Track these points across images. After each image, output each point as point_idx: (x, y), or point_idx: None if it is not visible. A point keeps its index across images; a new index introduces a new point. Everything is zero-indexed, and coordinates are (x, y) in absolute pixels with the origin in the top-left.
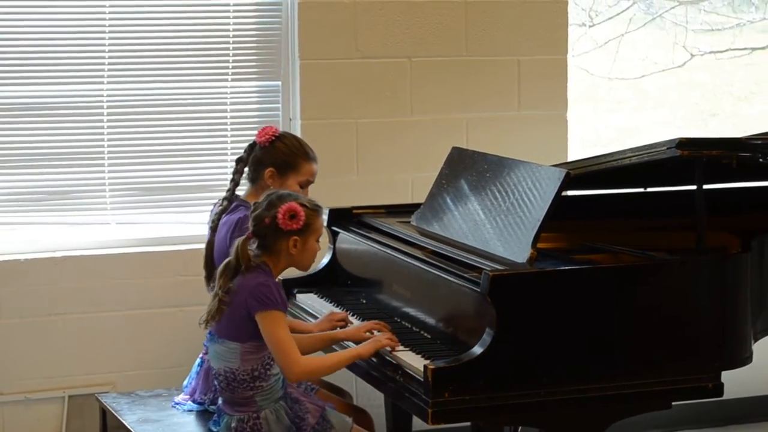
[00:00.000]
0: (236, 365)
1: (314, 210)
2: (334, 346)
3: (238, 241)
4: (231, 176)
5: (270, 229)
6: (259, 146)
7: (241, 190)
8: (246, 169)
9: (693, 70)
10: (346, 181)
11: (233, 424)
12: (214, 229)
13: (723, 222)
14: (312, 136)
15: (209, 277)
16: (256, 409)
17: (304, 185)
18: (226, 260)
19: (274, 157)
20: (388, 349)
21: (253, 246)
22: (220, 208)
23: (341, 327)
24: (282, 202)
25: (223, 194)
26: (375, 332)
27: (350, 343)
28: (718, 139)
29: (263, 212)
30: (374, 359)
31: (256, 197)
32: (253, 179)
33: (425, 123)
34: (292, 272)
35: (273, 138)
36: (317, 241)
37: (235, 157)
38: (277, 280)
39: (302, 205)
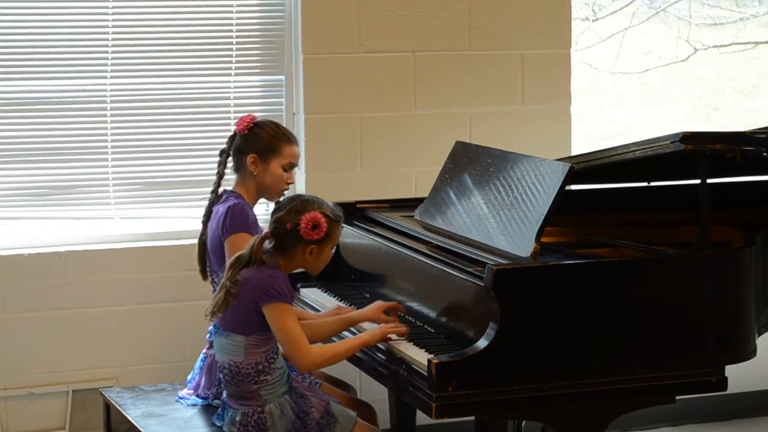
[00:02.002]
0: (240, 359)
1: (335, 220)
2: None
3: (255, 238)
4: (216, 169)
5: (290, 235)
6: (239, 135)
7: (229, 184)
8: (230, 161)
9: (696, 64)
10: (350, 175)
11: (238, 418)
12: (205, 223)
13: (726, 216)
14: (315, 131)
15: (204, 270)
16: (260, 402)
17: (287, 168)
18: (238, 253)
19: (254, 143)
20: (394, 337)
21: (268, 245)
22: (209, 201)
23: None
24: (306, 210)
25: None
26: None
27: (362, 328)
28: (721, 133)
29: (286, 216)
30: (379, 354)
31: (242, 186)
32: (237, 168)
33: (429, 117)
34: None
35: (251, 125)
36: (332, 249)
37: None
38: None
39: (324, 215)
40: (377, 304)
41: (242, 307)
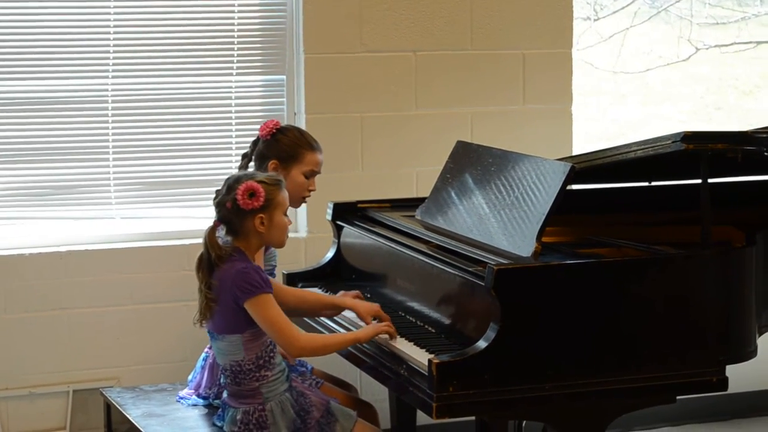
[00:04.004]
0: (241, 356)
1: (274, 184)
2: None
3: (205, 232)
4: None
5: (233, 212)
6: (262, 140)
7: None
8: (252, 164)
9: (698, 63)
10: (351, 175)
11: (239, 417)
12: None
13: (728, 216)
14: (316, 131)
15: None
16: (261, 401)
17: (309, 176)
18: (199, 254)
19: (277, 149)
20: (386, 336)
21: (222, 233)
22: None
23: None
24: (239, 183)
25: None
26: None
27: (351, 327)
28: (722, 132)
29: (224, 197)
30: (380, 354)
31: None
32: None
33: (430, 117)
34: (296, 266)
35: (274, 131)
36: (285, 215)
37: (240, 151)
38: (255, 263)
39: (260, 182)
40: (371, 305)
41: (227, 308)
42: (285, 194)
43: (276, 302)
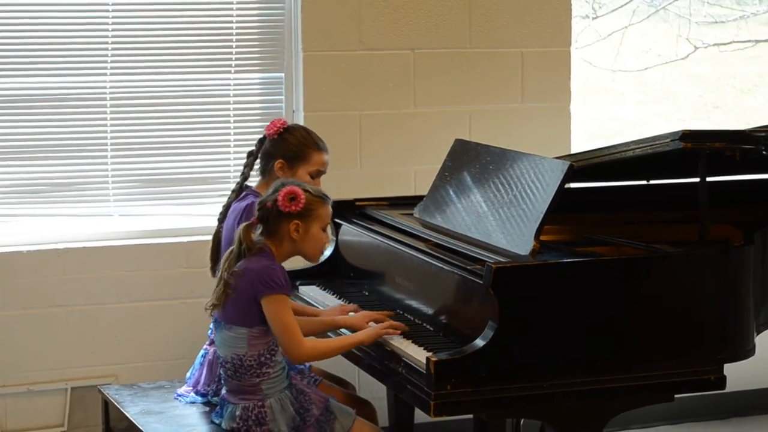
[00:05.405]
0: (244, 351)
1: (318, 197)
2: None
3: (241, 227)
4: (242, 169)
5: (272, 213)
6: (268, 139)
7: (253, 182)
8: (258, 163)
9: (696, 62)
10: (349, 173)
11: (238, 413)
12: (221, 220)
13: (726, 214)
14: (315, 128)
15: (214, 268)
16: (261, 397)
17: (314, 176)
18: (230, 249)
19: (283, 148)
20: (388, 338)
21: (257, 232)
22: (228, 199)
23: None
24: (284, 186)
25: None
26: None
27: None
28: (721, 131)
29: (268, 197)
30: (378, 352)
31: (265, 188)
32: (264, 171)
33: (428, 115)
34: (295, 264)
35: (281, 130)
36: (324, 230)
37: (238, 148)
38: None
39: (305, 190)
40: (364, 314)
41: (243, 299)
42: (328, 210)
43: (290, 307)
